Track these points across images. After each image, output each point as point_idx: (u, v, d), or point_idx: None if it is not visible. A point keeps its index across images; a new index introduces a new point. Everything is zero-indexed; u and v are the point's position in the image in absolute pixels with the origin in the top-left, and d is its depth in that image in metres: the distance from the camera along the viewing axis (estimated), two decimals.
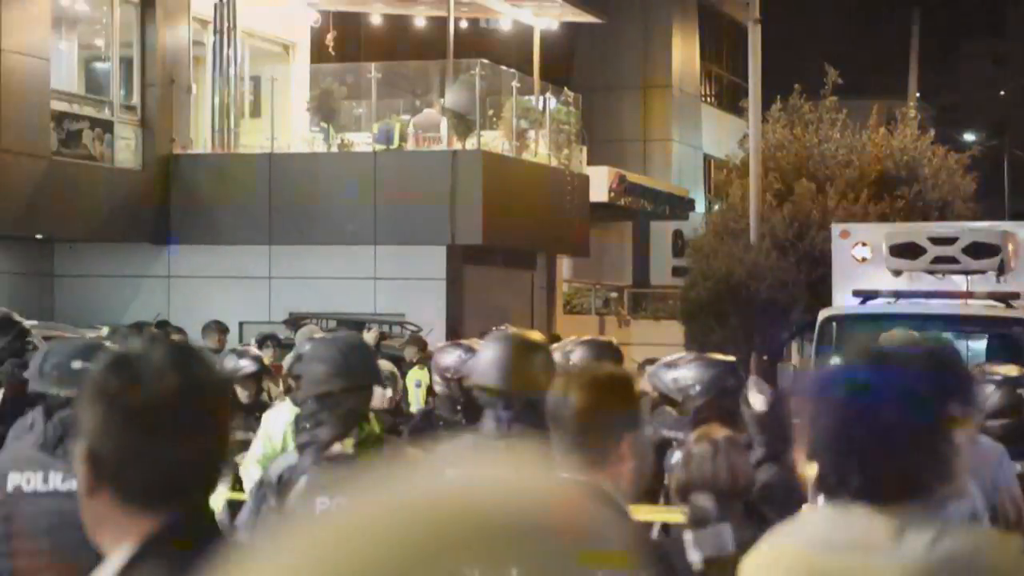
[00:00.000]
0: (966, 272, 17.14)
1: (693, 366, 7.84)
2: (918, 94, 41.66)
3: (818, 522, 3.16)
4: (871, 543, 2.96)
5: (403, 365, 17.48)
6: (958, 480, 3.06)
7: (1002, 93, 71.95)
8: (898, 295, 16.96)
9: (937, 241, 17.59)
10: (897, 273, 17.55)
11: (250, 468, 9.37)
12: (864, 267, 17.85)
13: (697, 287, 26.75)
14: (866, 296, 17.30)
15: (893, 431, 2.99)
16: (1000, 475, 6.78)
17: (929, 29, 47.30)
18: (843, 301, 17.72)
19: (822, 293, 26.19)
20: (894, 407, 3.00)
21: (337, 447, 5.66)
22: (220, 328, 17.45)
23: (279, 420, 9.32)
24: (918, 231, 18.65)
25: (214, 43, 25.76)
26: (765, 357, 25.10)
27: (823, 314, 17.31)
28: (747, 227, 27.16)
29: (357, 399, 5.91)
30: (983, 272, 17.06)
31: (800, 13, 48.51)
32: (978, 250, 17.20)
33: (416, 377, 17.32)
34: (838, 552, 3.00)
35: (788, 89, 31.42)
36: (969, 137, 58.19)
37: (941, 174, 31.15)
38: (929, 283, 17.33)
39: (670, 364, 8.00)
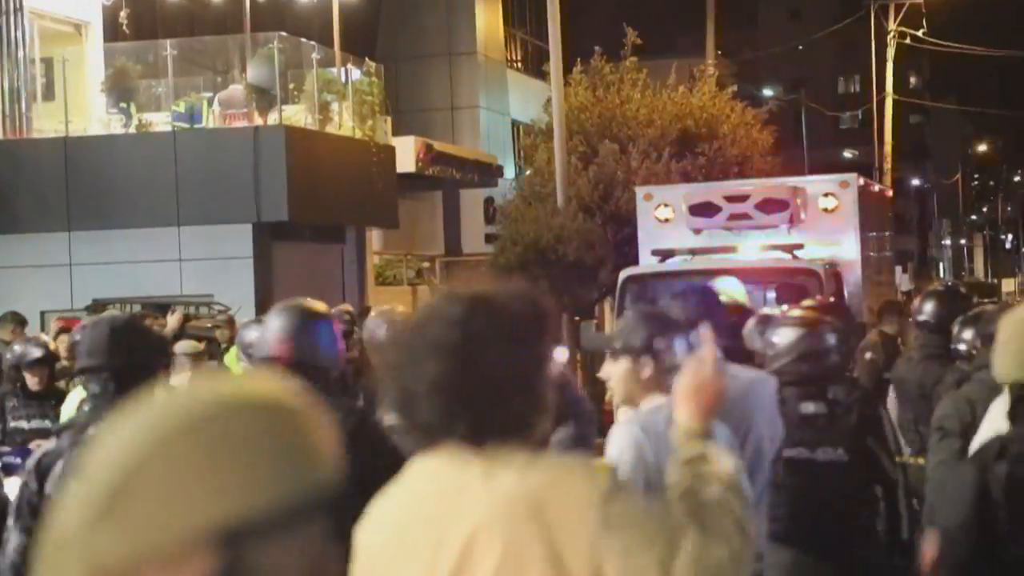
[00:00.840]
0: (759, 227, 17.99)
1: None
2: (719, 52, 42.14)
3: (418, 474, 3.16)
4: (463, 485, 3.01)
5: (218, 347, 17.47)
6: (548, 416, 3.15)
7: (800, 48, 73.41)
8: (693, 252, 17.60)
9: (731, 199, 18.54)
10: (697, 231, 18.40)
11: None
12: (667, 227, 18.72)
13: (506, 252, 26.87)
14: (664, 255, 17.96)
15: (493, 372, 3.05)
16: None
17: None
18: (644, 259, 18.61)
19: (628, 253, 26.50)
20: (492, 349, 3.06)
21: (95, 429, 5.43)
22: (17, 319, 17.09)
23: (72, 407, 9.34)
24: (714, 191, 19.51)
25: (0, 25, 25.23)
26: (577, 318, 25.34)
27: (623, 274, 17.98)
28: (554, 191, 27.31)
29: (121, 380, 5.73)
30: (775, 226, 17.94)
31: None
32: (769, 206, 18.12)
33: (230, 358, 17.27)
34: (431, 500, 3.05)
35: (590, 52, 31.64)
36: (768, 92, 59.43)
37: (740, 130, 31.64)
38: (725, 239, 18.08)
39: None
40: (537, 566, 2.92)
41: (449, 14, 40.39)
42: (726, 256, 17.54)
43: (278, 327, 6.03)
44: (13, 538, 5.65)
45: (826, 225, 18.17)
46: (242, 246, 24.43)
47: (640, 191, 20.52)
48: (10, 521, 5.81)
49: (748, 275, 15.33)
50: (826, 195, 18.49)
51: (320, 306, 6.57)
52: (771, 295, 15.40)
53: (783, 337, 7.72)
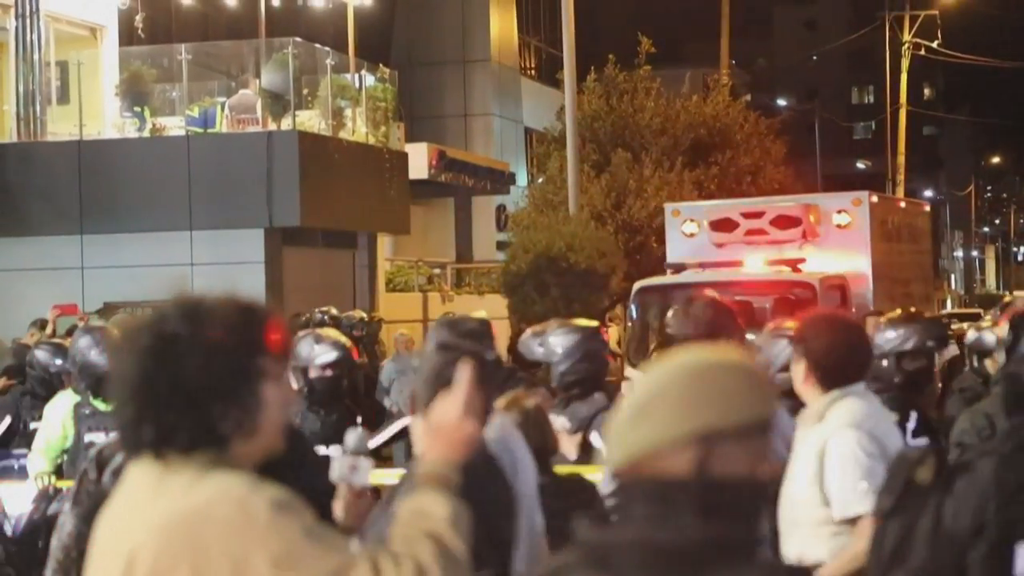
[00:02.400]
0: (774, 242, 18.99)
1: (560, 333, 8.11)
2: (733, 61, 42.15)
3: (124, 480, 3.09)
4: (138, 498, 2.96)
5: None
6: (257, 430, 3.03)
7: (814, 58, 73.36)
8: (702, 265, 18.43)
9: (748, 215, 19.65)
10: (720, 246, 19.43)
11: (34, 457, 9.62)
12: (693, 240, 19.89)
13: (518, 260, 26.82)
14: (676, 268, 18.99)
15: (185, 379, 2.96)
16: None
17: None
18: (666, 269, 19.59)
19: (640, 261, 26.52)
20: (187, 356, 2.97)
21: None
22: (39, 324, 17.21)
23: (59, 410, 9.47)
24: (733, 207, 20.62)
25: (16, 28, 25.20)
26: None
27: (637, 285, 19.09)
28: (566, 199, 27.30)
29: None
30: (790, 241, 18.99)
31: None
32: (783, 222, 19.21)
33: None
34: (119, 509, 3.00)
35: (604, 60, 31.65)
36: (782, 102, 59.39)
37: (753, 140, 31.66)
38: (742, 253, 18.86)
39: (536, 333, 8.34)
40: None
41: (463, 21, 40.40)
42: (733, 269, 18.22)
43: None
44: (68, 523, 5.81)
45: (840, 240, 19.04)
46: (254, 250, 24.39)
47: (669, 207, 21.67)
48: (67, 506, 6.04)
49: (749, 288, 16.82)
50: (840, 212, 19.44)
51: None
52: (765, 306, 16.16)
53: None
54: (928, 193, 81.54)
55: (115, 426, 3.12)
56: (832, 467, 5.52)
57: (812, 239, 19.02)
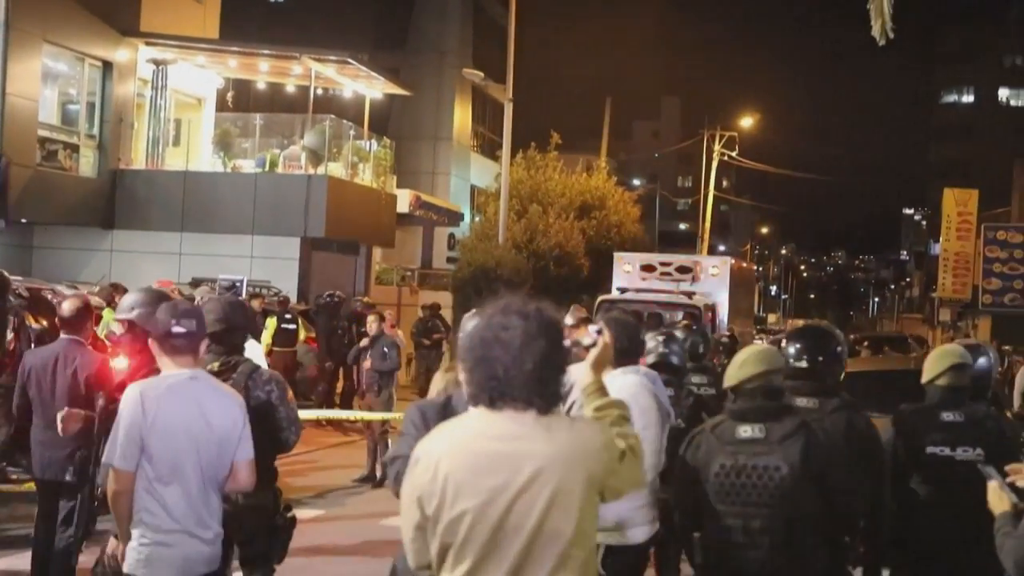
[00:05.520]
0: (676, 280, 21.13)
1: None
2: (608, 154, 42.35)
3: (474, 421, 2.85)
4: (520, 433, 2.77)
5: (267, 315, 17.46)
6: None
7: (657, 155, 74.03)
8: (639, 290, 20.55)
9: (663, 263, 21.74)
10: (644, 279, 21.40)
11: None
12: (629, 276, 21.62)
13: (462, 270, 26.89)
14: (621, 290, 21.08)
15: (536, 353, 2.79)
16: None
17: (616, 111, 48.25)
18: (613, 291, 21.08)
19: (543, 278, 26.62)
20: (536, 338, 2.81)
21: (209, 367, 5.24)
22: (117, 288, 15.98)
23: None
24: (654, 258, 22.57)
25: (151, 96, 25.02)
26: None
27: (600, 298, 20.34)
28: (496, 233, 27.37)
29: (230, 338, 5.53)
30: (685, 280, 21.13)
31: (539, 98, 49.05)
32: (682, 270, 21.38)
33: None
34: (493, 440, 2.78)
35: (527, 145, 31.76)
36: (636, 182, 59.74)
37: (619, 205, 31.86)
38: (658, 284, 21.18)
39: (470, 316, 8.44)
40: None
41: (437, 112, 40.31)
42: (654, 294, 20.14)
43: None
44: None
45: (712, 284, 21.15)
46: (292, 251, 24.28)
47: (616, 255, 22.98)
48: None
49: (663, 306, 18.43)
50: (713, 267, 21.72)
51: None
52: (679, 317, 17.33)
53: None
54: (721, 248, 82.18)
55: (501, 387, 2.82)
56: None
57: (697, 281, 21.00)
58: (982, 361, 5.95)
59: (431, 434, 2.96)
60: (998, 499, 4.29)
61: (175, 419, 4.36)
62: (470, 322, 3.16)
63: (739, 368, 4.59)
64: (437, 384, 4.74)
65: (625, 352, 5.35)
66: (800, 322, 8.53)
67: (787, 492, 4.29)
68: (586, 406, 3.22)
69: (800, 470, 4.29)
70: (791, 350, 5.24)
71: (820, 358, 5.19)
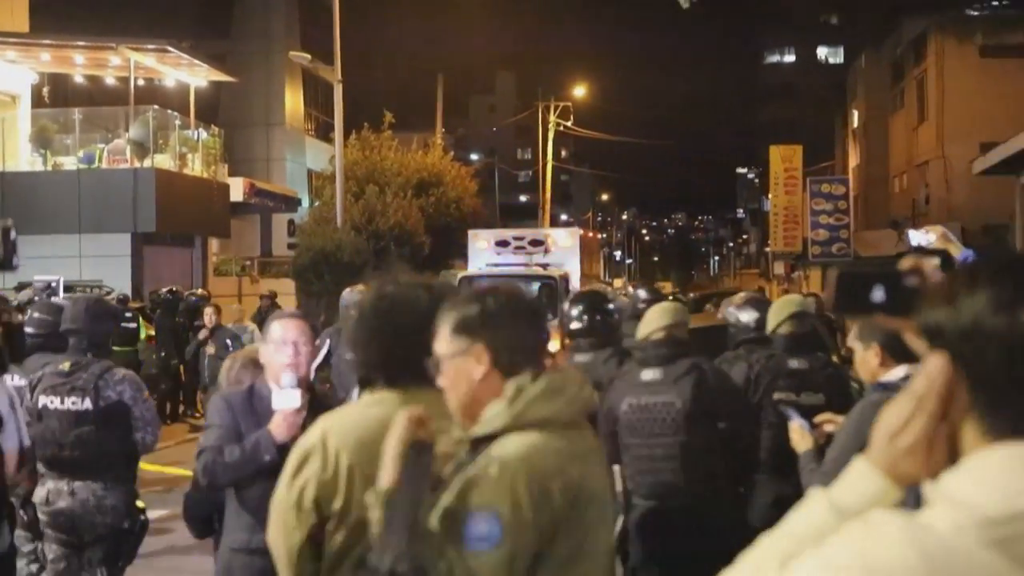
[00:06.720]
0: (530, 253, 21.12)
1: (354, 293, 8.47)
2: (443, 129, 42.24)
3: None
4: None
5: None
6: None
7: (494, 129, 74.42)
8: (497, 264, 20.62)
9: (516, 238, 21.56)
10: (500, 254, 21.28)
11: None
12: (484, 252, 21.41)
13: (302, 256, 26.51)
14: (491, 265, 20.95)
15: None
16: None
17: (451, 87, 48.11)
18: (473, 268, 20.92)
19: (382, 258, 26.43)
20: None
21: (60, 367, 5.66)
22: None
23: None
24: (507, 234, 22.23)
25: None
26: None
27: (460, 274, 20.08)
28: (335, 216, 27.06)
29: (87, 338, 5.75)
30: (538, 253, 21.08)
31: (372, 78, 48.53)
32: (534, 243, 21.33)
33: None
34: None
35: (361, 125, 31.43)
36: (474, 156, 59.87)
37: (457, 181, 31.85)
38: (513, 258, 21.06)
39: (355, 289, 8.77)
40: None
41: (267, 97, 39.62)
42: (512, 267, 20.13)
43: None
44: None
45: (563, 255, 21.19)
46: (123, 247, 23.62)
47: (471, 232, 22.52)
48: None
49: (521, 278, 18.09)
50: (563, 238, 21.75)
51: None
52: (535, 288, 17.91)
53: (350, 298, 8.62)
54: (564, 217, 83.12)
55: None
56: None
57: (549, 253, 21.03)
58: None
59: (326, 427, 2.72)
60: (800, 438, 4.52)
61: None
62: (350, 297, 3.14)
63: (646, 324, 5.23)
64: (225, 373, 4.72)
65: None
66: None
67: (682, 423, 4.99)
68: None
69: (691, 404, 5.00)
70: (573, 312, 5.88)
71: (597, 317, 5.91)
